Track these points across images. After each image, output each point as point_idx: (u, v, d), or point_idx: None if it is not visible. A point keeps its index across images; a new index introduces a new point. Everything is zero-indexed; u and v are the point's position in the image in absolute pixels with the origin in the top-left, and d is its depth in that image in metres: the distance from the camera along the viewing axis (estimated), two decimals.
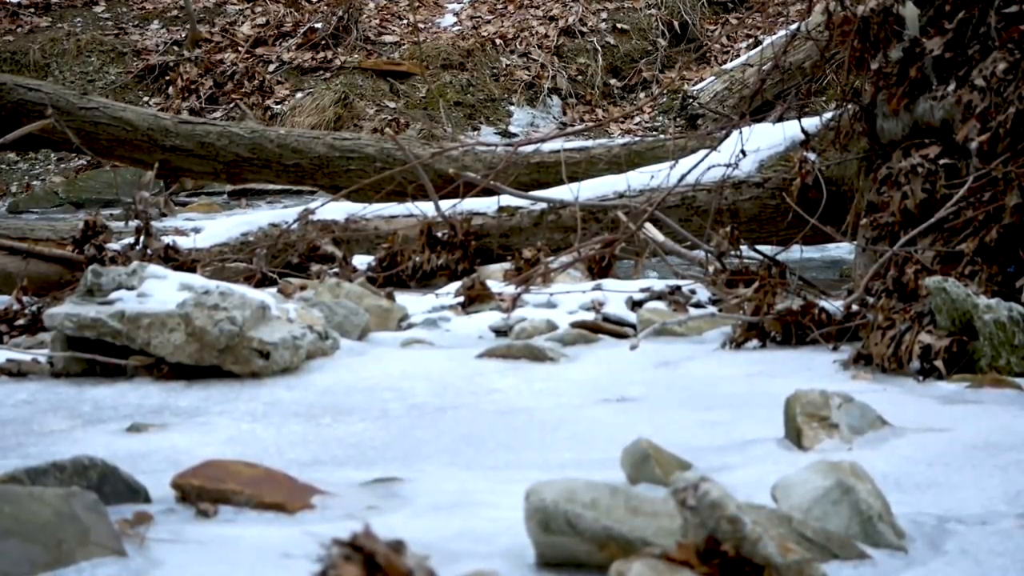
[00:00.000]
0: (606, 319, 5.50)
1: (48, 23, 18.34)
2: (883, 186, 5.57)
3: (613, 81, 16.84)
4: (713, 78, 14.28)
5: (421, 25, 17.44)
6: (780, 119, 7.52)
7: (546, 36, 17.17)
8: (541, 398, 4.19)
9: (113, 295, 4.70)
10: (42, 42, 17.56)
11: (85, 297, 4.74)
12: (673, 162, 7.05)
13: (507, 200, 7.38)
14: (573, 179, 7.41)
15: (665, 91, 16.20)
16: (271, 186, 12.51)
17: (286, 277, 6.56)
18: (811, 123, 6.96)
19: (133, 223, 6.99)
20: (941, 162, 5.37)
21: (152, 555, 2.56)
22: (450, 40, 17.18)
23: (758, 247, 6.17)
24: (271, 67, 17.03)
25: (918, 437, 3.46)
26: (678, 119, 14.37)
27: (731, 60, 15.58)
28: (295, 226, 7.29)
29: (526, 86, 16.50)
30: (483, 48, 17.01)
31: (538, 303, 5.82)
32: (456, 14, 18.19)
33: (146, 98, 16.59)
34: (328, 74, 16.71)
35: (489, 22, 17.79)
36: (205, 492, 2.95)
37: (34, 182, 15.13)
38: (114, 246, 6.95)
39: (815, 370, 4.44)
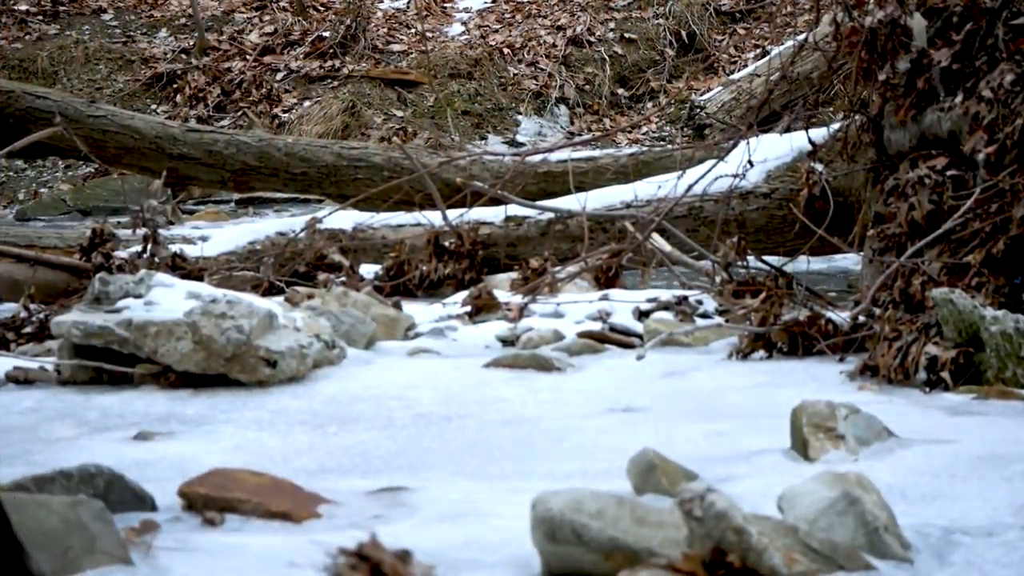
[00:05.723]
0: (613, 329, 5.50)
1: (56, 31, 18.38)
2: (890, 197, 5.58)
3: (620, 91, 16.85)
4: (720, 88, 14.29)
5: (429, 34, 17.46)
6: (787, 130, 7.52)
7: (554, 45, 17.19)
8: (547, 408, 4.20)
9: (120, 303, 4.71)
10: (50, 50, 17.59)
11: (92, 305, 4.74)
12: (680, 172, 7.05)
13: (514, 210, 7.38)
14: (580, 189, 7.42)
15: (672, 101, 16.21)
16: (278, 195, 12.53)
17: (293, 286, 6.56)
18: (818, 134, 6.96)
19: (140, 231, 6.99)
20: (948, 173, 5.37)
21: (158, 563, 2.56)
22: (458, 49, 17.20)
23: (765, 258, 6.17)
24: (279, 75, 17.05)
25: (924, 448, 3.46)
26: (685, 129, 14.37)
27: (738, 70, 15.59)
28: (302, 235, 7.30)
29: (533, 95, 16.51)
30: (491, 57, 17.02)
31: (545, 313, 5.82)
32: (464, 23, 18.22)
33: (154, 106, 16.62)
34: (336, 83, 16.73)
35: (497, 31, 17.81)
36: (211, 500, 2.95)
37: (42, 189, 15.16)
38: (121, 254, 6.96)
39: (821, 381, 4.43)
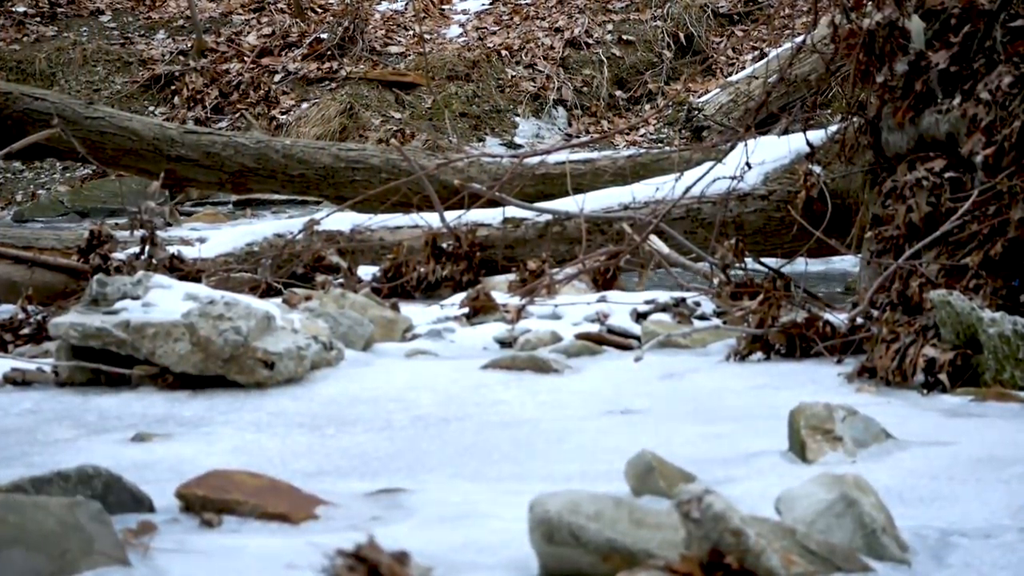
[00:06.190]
0: (610, 331, 5.50)
1: (54, 32, 18.37)
2: (888, 199, 5.58)
3: (618, 93, 16.85)
4: (718, 90, 14.30)
5: (427, 36, 17.45)
6: (785, 132, 7.53)
7: (552, 47, 17.19)
8: (545, 410, 4.20)
9: (118, 305, 4.70)
10: (48, 51, 17.59)
11: (90, 306, 4.74)
12: (678, 174, 7.05)
13: (512, 211, 7.39)
14: (578, 191, 7.42)
15: (670, 103, 16.21)
16: (276, 196, 12.53)
17: (291, 287, 6.56)
18: (816, 136, 6.96)
19: (138, 232, 6.99)
20: (946, 175, 5.37)
21: (156, 565, 2.56)
22: (456, 51, 17.20)
23: (763, 260, 6.18)
24: (277, 77, 17.05)
25: (922, 450, 3.46)
26: (683, 131, 14.38)
27: (736, 72, 15.60)
28: (300, 236, 7.30)
29: (531, 97, 16.52)
30: (489, 59, 17.02)
31: (543, 314, 5.82)
32: (462, 25, 18.22)
33: (152, 108, 16.62)
34: (334, 84, 16.72)
35: (495, 33, 17.81)
36: (209, 502, 2.95)
37: (39, 191, 15.15)
38: (119, 255, 6.95)
39: (819, 383, 4.44)
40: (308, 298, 5.83)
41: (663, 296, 5.91)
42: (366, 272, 7.09)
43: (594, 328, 5.54)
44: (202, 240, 7.72)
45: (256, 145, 9.49)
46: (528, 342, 5.32)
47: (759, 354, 4.90)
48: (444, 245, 7.09)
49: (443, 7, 18.79)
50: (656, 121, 16.06)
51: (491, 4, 18.66)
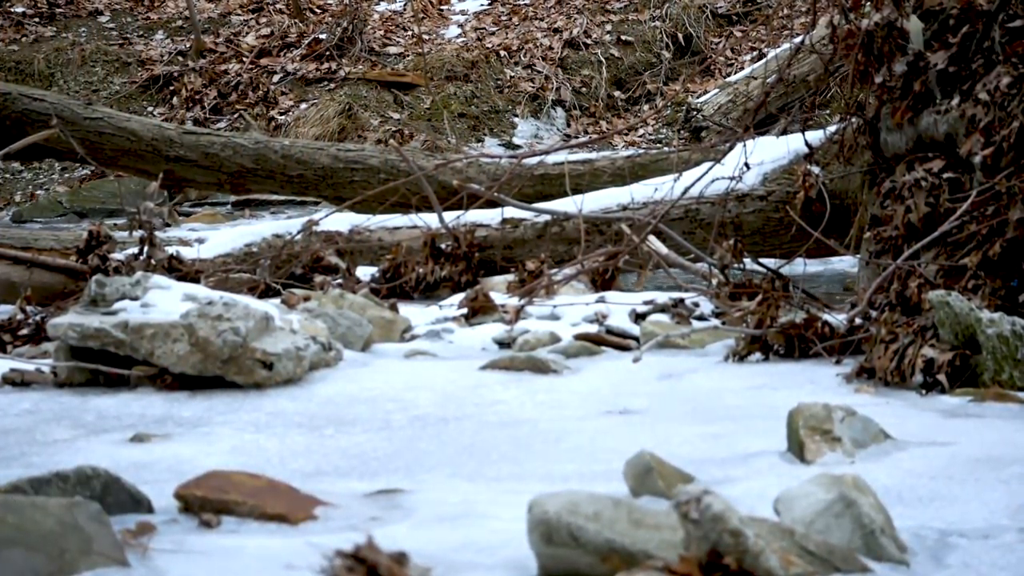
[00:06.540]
0: (609, 331, 5.50)
1: (53, 33, 18.36)
2: (887, 200, 5.58)
3: (617, 93, 16.84)
4: (717, 91, 14.29)
5: (425, 36, 17.44)
6: (784, 132, 7.53)
7: (550, 48, 17.18)
8: (544, 410, 4.20)
9: (117, 305, 4.71)
10: (47, 52, 17.58)
11: (89, 307, 4.74)
12: (677, 175, 7.05)
13: (511, 212, 7.38)
14: (577, 191, 7.42)
15: (669, 103, 16.21)
16: (275, 197, 12.52)
17: (290, 288, 6.56)
18: (815, 136, 6.96)
19: (137, 233, 6.98)
20: (945, 176, 5.37)
21: (155, 565, 2.56)
22: (454, 51, 17.18)
23: (761, 260, 6.17)
24: (275, 78, 17.03)
25: (921, 451, 3.46)
26: (682, 131, 14.37)
27: (735, 73, 15.58)
28: (299, 237, 7.30)
29: (530, 98, 16.50)
30: (487, 60, 17.01)
31: (541, 315, 5.82)
32: (461, 26, 18.21)
33: (150, 108, 16.61)
34: (332, 85, 16.71)
35: (493, 34, 17.80)
36: (208, 502, 2.95)
37: (38, 191, 15.14)
38: (118, 256, 6.95)
39: (818, 383, 4.44)
40: (307, 298, 5.83)
41: (662, 297, 5.91)
42: (365, 272, 7.09)
43: (593, 329, 5.55)
44: (201, 240, 7.72)
45: (255, 146, 9.49)
46: (527, 342, 5.32)
47: (758, 354, 4.90)
48: (443, 246, 7.08)
49: (442, 7, 18.78)
50: (655, 121, 16.05)
51: (490, 4, 18.66)
